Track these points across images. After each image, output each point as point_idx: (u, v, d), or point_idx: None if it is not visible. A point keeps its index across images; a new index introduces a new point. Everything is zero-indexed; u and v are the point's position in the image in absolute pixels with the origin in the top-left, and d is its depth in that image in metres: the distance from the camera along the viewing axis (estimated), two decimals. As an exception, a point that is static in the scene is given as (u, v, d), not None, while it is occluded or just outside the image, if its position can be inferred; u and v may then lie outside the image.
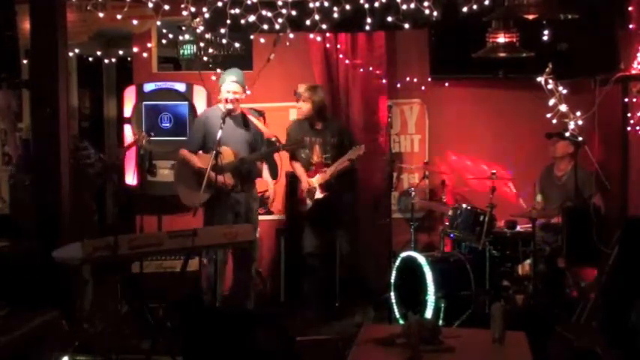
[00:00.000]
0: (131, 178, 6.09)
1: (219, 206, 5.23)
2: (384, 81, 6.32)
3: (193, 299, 5.31)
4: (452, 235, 5.78)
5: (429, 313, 5.10)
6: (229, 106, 5.25)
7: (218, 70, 6.19)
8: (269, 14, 5.11)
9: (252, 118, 5.57)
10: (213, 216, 5.25)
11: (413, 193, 6.08)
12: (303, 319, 5.60)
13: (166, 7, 5.16)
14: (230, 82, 5.28)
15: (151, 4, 5.23)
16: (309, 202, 5.72)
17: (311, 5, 5.14)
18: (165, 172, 6.14)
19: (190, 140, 5.49)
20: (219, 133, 5.06)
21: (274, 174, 6.14)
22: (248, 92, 5.52)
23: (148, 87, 6.29)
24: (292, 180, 6.09)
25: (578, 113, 5.06)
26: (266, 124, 6.08)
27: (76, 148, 5.53)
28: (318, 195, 5.66)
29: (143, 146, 5.55)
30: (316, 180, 5.66)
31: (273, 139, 5.86)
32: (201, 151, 5.34)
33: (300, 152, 5.78)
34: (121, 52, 6.35)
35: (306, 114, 5.74)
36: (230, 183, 5.19)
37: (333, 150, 5.70)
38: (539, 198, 5.76)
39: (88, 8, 5.94)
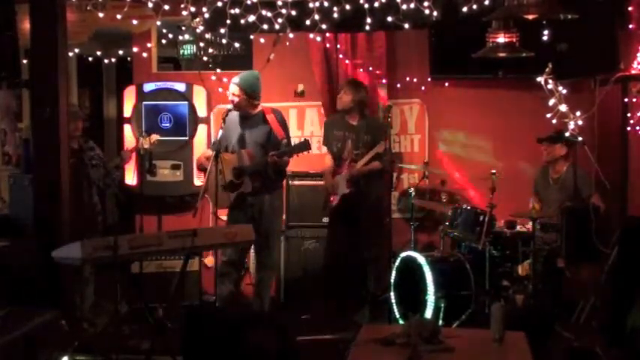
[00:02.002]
0: (131, 178, 6.10)
1: (235, 209, 5.32)
2: (384, 81, 6.32)
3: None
4: (452, 235, 5.78)
5: (429, 313, 5.09)
6: (229, 106, 5.28)
7: (218, 70, 6.20)
8: (269, 14, 5.12)
9: (273, 119, 5.32)
10: (230, 217, 5.39)
11: (413, 193, 6.07)
12: (303, 319, 5.60)
13: (166, 7, 5.17)
14: (231, 84, 5.29)
15: (150, 4, 5.24)
16: (336, 197, 5.74)
17: (311, 5, 5.14)
18: (165, 172, 6.15)
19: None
20: (220, 133, 5.17)
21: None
22: (253, 92, 5.26)
23: (148, 87, 6.29)
24: (290, 183, 6.12)
25: (578, 113, 5.05)
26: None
27: (80, 148, 5.54)
28: (344, 190, 5.67)
29: (143, 147, 5.55)
30: (343, 176, 5.69)
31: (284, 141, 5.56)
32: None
33: (332, 146, 5.81)
34: (121, 52, 6.35)
35: (344, 105, 5.78)
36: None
37: (364, 147, 5.70)
38: (535, 203, 5.74)
39: (88, 8, 5.95)
